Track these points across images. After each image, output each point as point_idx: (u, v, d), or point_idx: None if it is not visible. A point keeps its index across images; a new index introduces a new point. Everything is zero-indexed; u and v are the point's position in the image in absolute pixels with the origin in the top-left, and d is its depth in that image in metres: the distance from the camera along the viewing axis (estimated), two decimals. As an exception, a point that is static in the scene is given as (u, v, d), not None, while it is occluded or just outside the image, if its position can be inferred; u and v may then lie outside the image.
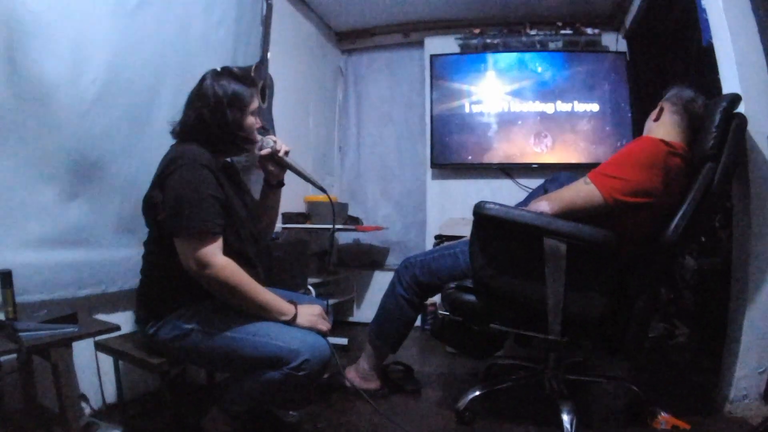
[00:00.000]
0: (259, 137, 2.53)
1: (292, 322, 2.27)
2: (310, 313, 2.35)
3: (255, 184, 3.18)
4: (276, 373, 2.12)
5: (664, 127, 2.71)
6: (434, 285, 3.07)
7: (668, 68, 4.01)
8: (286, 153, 2.61)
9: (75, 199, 2.63)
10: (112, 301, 2.87)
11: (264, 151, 2.57)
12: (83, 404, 2.68)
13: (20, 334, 1.95)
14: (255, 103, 2.47)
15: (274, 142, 2.58)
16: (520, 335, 2.85)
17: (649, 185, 2.42)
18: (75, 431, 2.15)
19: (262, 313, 2.25)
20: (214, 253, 2.15)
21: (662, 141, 2.53)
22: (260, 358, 2.15)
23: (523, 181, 5.26)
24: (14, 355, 1.98)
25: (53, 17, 2.46)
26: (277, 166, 2.65)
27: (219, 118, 2.34)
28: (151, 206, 2.30)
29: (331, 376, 3.17)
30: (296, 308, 2.32)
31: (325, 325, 2.36)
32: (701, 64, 3.29)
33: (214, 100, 2.34)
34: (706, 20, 3.06)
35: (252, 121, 2.46)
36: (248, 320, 2.23)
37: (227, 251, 2.22)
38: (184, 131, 2.39)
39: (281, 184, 2.74)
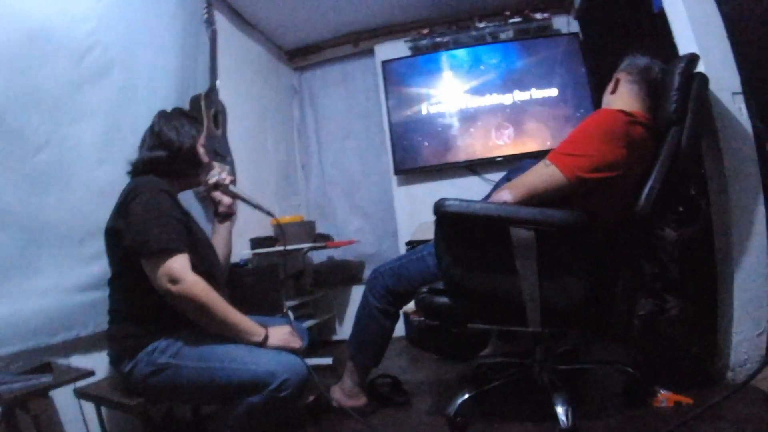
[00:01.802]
0: (210, 164, 2.70)
1: (263, 344, 2.29)
2: (281, 332, 2.38)
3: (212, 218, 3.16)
4: (257, 398, 2.14)
5: (621, 98, 2.65)
6: (407, 291, 3.01)
7: (622, 42, 3.98)
8: (231, 182, 2.78)
9: (37, 248, 2.61)
10: (89, 344, 2.84)
11: (211, 180, 2.71)
12: None
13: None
14: (202, 137, 2.66)
15: (219, 172, 2.73)
16: (502, 331, 2.78)
17: (612, 158, 2.34)
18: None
19: (231, 333, 2.27)
20: (185, 268, 2.19)
21: (620, 111, 2.46)
22: (239, 384, 2.15)
23: (489, 176, 5.24)
24: None
25: None
26: (223, 194, 2.78)
27: (176, 148, 2.52)
28: (113, 236, 2.34)
29: (316, 397, 3.11)
30: (266, 330, 2.32)
31: (296, 342, 2.38)
32: (655, 32, 3.25)
33: (169, 134, 2.53)
34: (654, -15, 3.03)
35: (202, 151, 2.65)
36: (221, 348, 2.24)
37: (194, 272, 2.23)
38: (141, 167, 2.52)
39: (230, 213, 2.88)
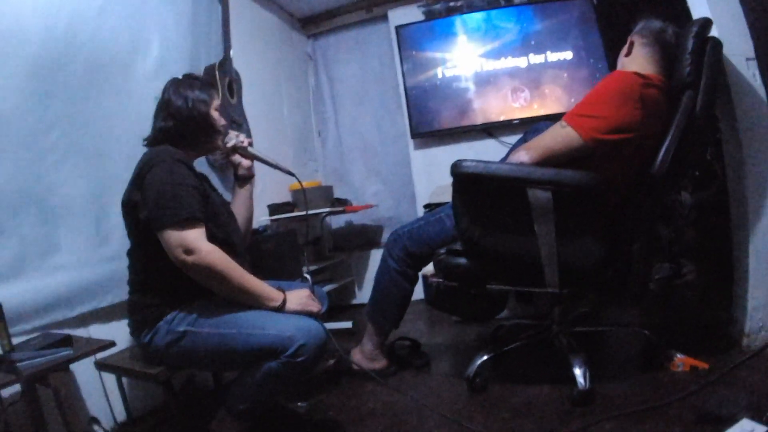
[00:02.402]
0: (225, 129, 2.64)
1: (281, 308, 2.29)
2: (299, 296, 2.37)
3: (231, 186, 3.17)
4: (274, 363, 2.13)
5: (636, 60, 2.63)
6: (425, 253, 3.03)
7: (636, 5, 3.94)
8: (250, 144, 2.75)
9: (53, 223, 2.64)
10: (108, 315, 2.87)
11: (229, 144, 2.68)
12: (96, 427, 2.67)
13: (18, 364, 1.96)
14: (216, 102, 2.62)
15: (236, 136, 2.71)
16: (519, 292, 2.79)
17: (628, 120, 2.34)
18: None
19: (249, 299, 2.27)
20: (199, 238, 2.18)
21: (635, 73, 2.46)
22: (256, 350, 2.15)
23: (505, 139, 5.19)
24: (16, 387, 2.02)
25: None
26: (242, 157, 2.75)
27: (189, 117, 2.48)
28: (131, 208, 2.33)
29: (336, 361, 3.16)
30: (284, 294, 2.32)
31: (315, 306, 2.38)
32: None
33: (181, 102, 2.48)
34: (670, -53, 3.00)
35: (216, 115, 2.59)
36: (238, 315, 2.23)
37: (211, 240, 2.25)
38: (156, 138, 2.50)
39: (250, 176, 2.84)
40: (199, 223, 2.22)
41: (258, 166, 2.82)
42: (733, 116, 2.72)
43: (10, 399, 2.13)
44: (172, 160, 2.28)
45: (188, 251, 2.14)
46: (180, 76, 2.65)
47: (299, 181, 2.80)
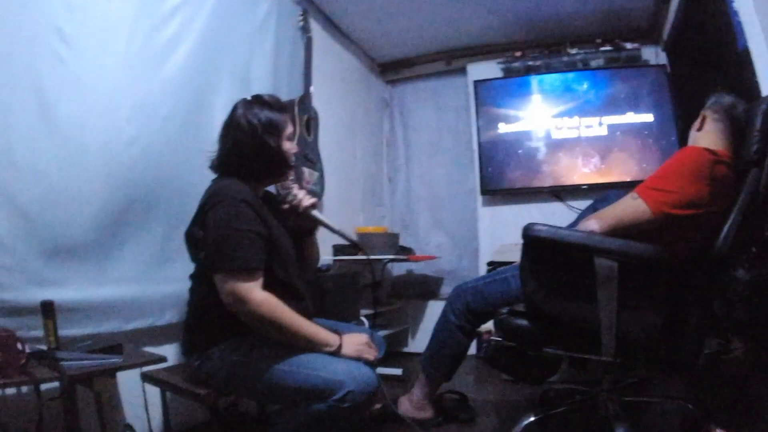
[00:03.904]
0: (289, 181, 2.56)
1: (337, 353, 2.24)
2: (356, 342, 2.31)
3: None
4: (321, 405, 2.09)
5: (707, 135, 2.64)
6: (486, 311, 3.04)
7: (708, 77, 3.94)
8: (309, 206, 2.58)
9: (120, 238, 2.70)
10: (160, 334, 2.92)
11: (284, 206, 2.56)
12: None
13: (62, 363, 2.00)
14: (289, 129, 2.49)
15: (295, 196, 2.56)
16: (573, 358, 2.79)
17: (697, 196, 2.35)
18: (119, 459, 2.17)
19: (304, 345, 2.23)
20: (252, 289, 2.14)
21: (707, 150, 2.46)
22: (304, 389, 2.12)
23: (573, 203, 5.19)
24: (55, 384, 2.00)
25: (86, 66, 2.56)
26: (301, 219, 2.61)
27: (256, 145, 2.37)
28: (192, 242, 2.34)
29: (383, 406, 3.14)
30: (341, 338, 2.29)
31: (371, 354, 2.32)
32: (740, 70, 3.22)
33: (249, 128, 2.37)
34: (740, 24, 3.02)
35: (289, 146, 2.48)
36: (293, 352, 2.20)
37: (274, 284, 2.22)
38: (222, 163, 2.44)
39: (311, 232, 2.73)
40: (256, 272, 2.19)
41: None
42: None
43: (49, 394, 2.13)
44: (237, 201, 2.22)
45: (239, 301, 2.12)
46: (249, 97, 2.53)
47: (365, 252, 2.75)
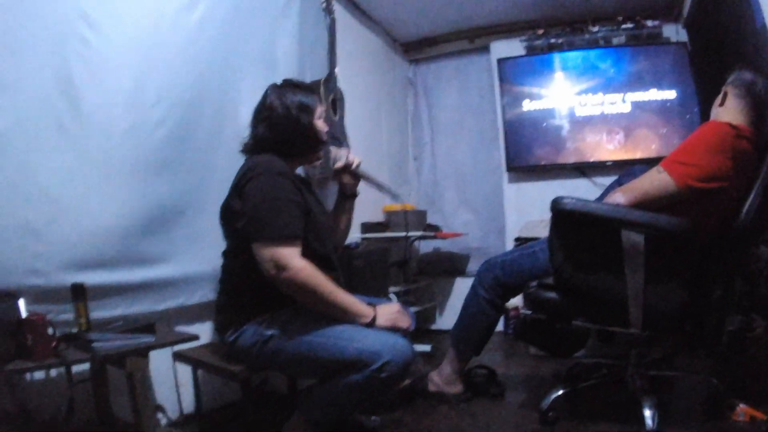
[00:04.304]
0: (332, 149, 2.61)
1: (371, 325, 2.28)
2: (389, 311, 2.36)
3: (328, 198, 3.23)
4: (358, 376, 2.13)
5: (729, 111, 2.65)
6: (516, 285, 3.08)
7: (729, 54, 3.93)
8: (358, 165, 2.69)
9: (150, 218, 2.72)
10: (191, 313, 2.95)
11: (338, 164, 2.66)
12: (159, 415, 2.75)
13: (94, 344, 2.03)
14: (320, 108, 2.57)
15: (346, 155, 2.66)
16: (602, 331, 2.82)
17: (720, 169, 2.38)
18: (150, 440, 2.20)
19: (340, 315, 2.26)
20: (292, 255, 2.17)
21: (728, 124, 2.49)
22: (342, 361, 2.15)
23: (598, 180, 5.20)
24: (85, 367, 2.06)
25: (112, 50, 2.59)
26: (351, 177, 2.72)
27: (291, 124, 2.45)
28: (229, 215, 2.37)
29: (413, 380, 3.19)
30: (375, 310, 2.32)
31: (405, 321, 2.37)
32: (759, 47, 3.22)
33: (283, 109, 2.45)
34: (758, 2, 3.02)
35: (321, 124, 2.57)
36: (328, 324, 2.24)
37: (310, 255, 2.25)
38: (256, 144, 2.49)
39: (355, 194, 2.81)
40: (296, 240, 2.22)
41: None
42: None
43: (79, 377, 2.18)
44: (275, 173, 2.28)
45: (280, 267, 2.15)
46: (280, 82, 2.61)
47: (402, 204, 2.81)
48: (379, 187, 2.75)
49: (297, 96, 2.50)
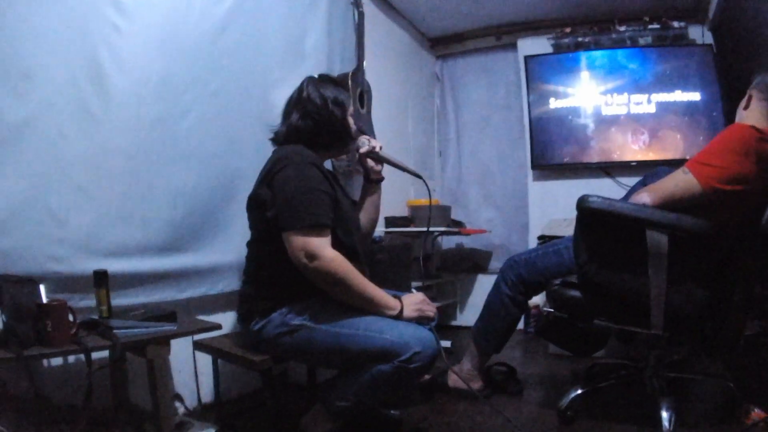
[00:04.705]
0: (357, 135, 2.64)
1: (398, 317, 2.29)
2: (414, 302, 2.38)
3: (355, 191, 3.24)
4: (386, 366, 2.15)
5: (753, 114, 2.64)
6: (538, 283, 3.09)
7: (754, 58, 3.91)
8: (380, 148, 2.70)
9: (174, 207, 2.75)
10: (210, 303, 2.97)
11: (363, 149, 2.65)
12: (177, 403, 2.78)
13: (115, 331, 2.04)
14: (351, 106, 2.62)
15: (368, 140, 2.67)
16: (622, 332, 2.82)
17: (743, 172, 2.39)
18: (168, 429, 2.22)
19: (368, 306, 2.28)
20: (323, 245, 2.20)
21: (753, 127, 2.49)
22: (370, 352, 2.17)
23: (622, 180, 5.17)
24: (104, 354, 2.03)
25: (143, 33, 2.62)
26: (375, 161, 2.72)
27: (325, 116, 2.49)
28: (258, 204, 2.38)
29: (433, 376, 3.21)
30: (401, 303, 2.33)
31: (431, 310, 2.40)
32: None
33: (320, 102, 2.50)
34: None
35: (352, 120, 2.61)
36: (357, 315, 2.26)
37: (337, 246, 2.27)
38: (288, 134, 2.52)
39: (381, 179, 2.82)
40: (326, 229, 2.24)
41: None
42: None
43: (98, 364, 2.16)
44: (306, 162, 2.30)
45: (311, 257, 2.16)
46: (316, 75, 2.66)
47: (427, 186, 2.82)
48: (402, 168, 2.72)
49: (333, 91, 2.55)
